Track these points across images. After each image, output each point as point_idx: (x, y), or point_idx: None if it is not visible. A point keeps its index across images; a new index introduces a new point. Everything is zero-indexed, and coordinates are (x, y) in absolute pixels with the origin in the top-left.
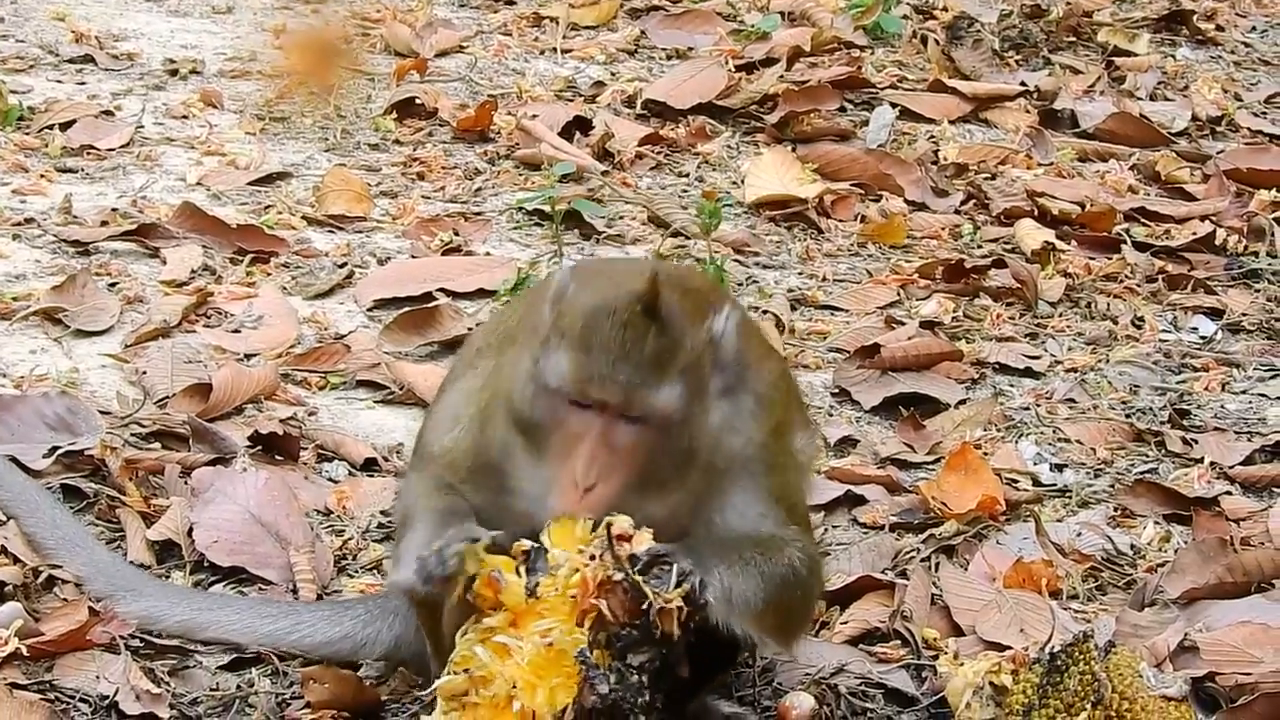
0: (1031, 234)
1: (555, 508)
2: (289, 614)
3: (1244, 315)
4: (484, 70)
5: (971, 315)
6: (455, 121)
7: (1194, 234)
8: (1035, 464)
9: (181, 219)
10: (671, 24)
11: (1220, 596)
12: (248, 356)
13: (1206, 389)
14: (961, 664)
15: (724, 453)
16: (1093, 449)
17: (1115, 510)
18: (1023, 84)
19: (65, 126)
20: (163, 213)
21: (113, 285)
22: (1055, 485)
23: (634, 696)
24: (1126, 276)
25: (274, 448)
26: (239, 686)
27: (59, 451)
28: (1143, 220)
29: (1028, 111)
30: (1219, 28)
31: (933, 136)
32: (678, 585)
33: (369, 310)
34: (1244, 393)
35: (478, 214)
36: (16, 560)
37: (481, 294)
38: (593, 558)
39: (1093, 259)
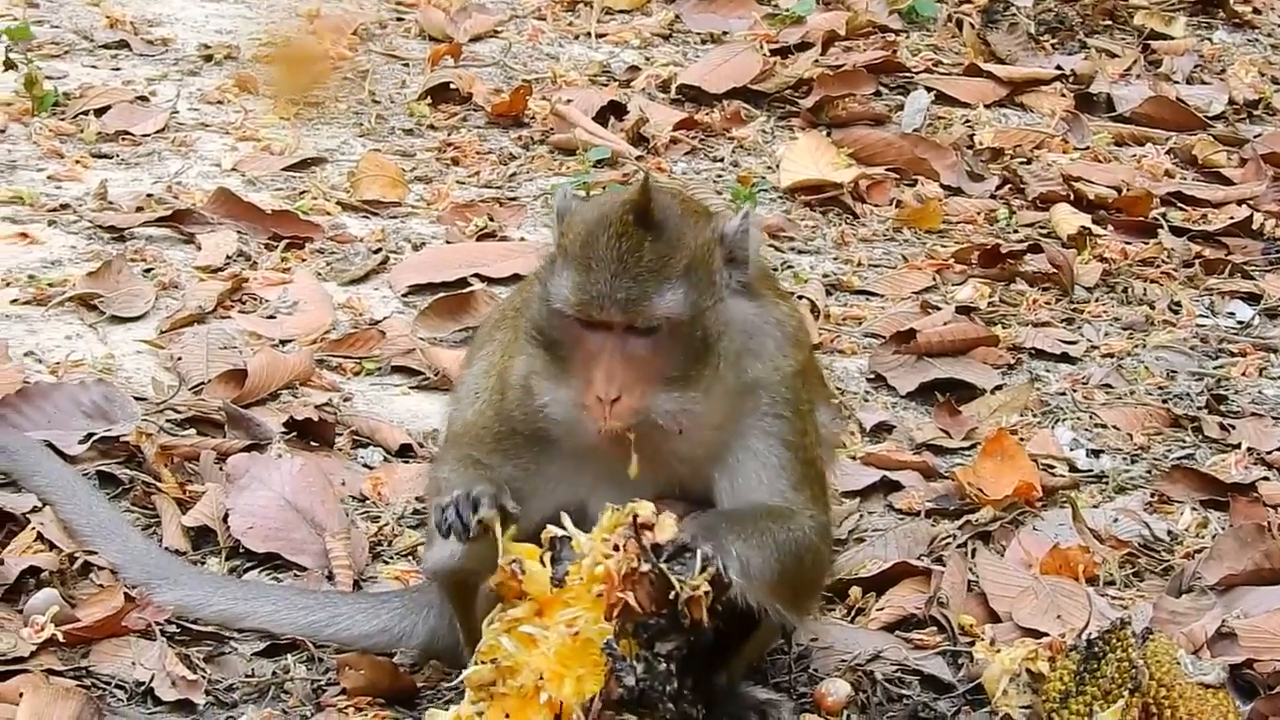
0: (1067, 219)
1: (584, 426)
2: (326, 606)
3: None
4: (518, 55)
5: (1007, 300)
6: (490, 106)
7: (1231, 218)
8: (1072, 450)
9: (216, 205)
10: (706, 8)
11: (1258, 583)
12: (283, 342)
13: (1244, 374)
14: (998, 651)
15: (747, 370)
16: (1129, 434)
17: (1152, 496)
18: (1058, 68)
19: (100, 112)
20: (198, 198)
21: (148, 271)
22: (1092, 471)
23: (662, 685)
24: (1163, 261)
25: (309, 433)
26: (274, 673)
27: (94, 438)
28: (1179, 204)
29: (1063, 95)
30: (1256, 10)
31: (968, 121)
32: (702, 571)
33: (404, 296)
34: None
35: (512, 199)
36: (53, 546)
37: (516, 279)
38: (616, 548)
39: (1129, 244)
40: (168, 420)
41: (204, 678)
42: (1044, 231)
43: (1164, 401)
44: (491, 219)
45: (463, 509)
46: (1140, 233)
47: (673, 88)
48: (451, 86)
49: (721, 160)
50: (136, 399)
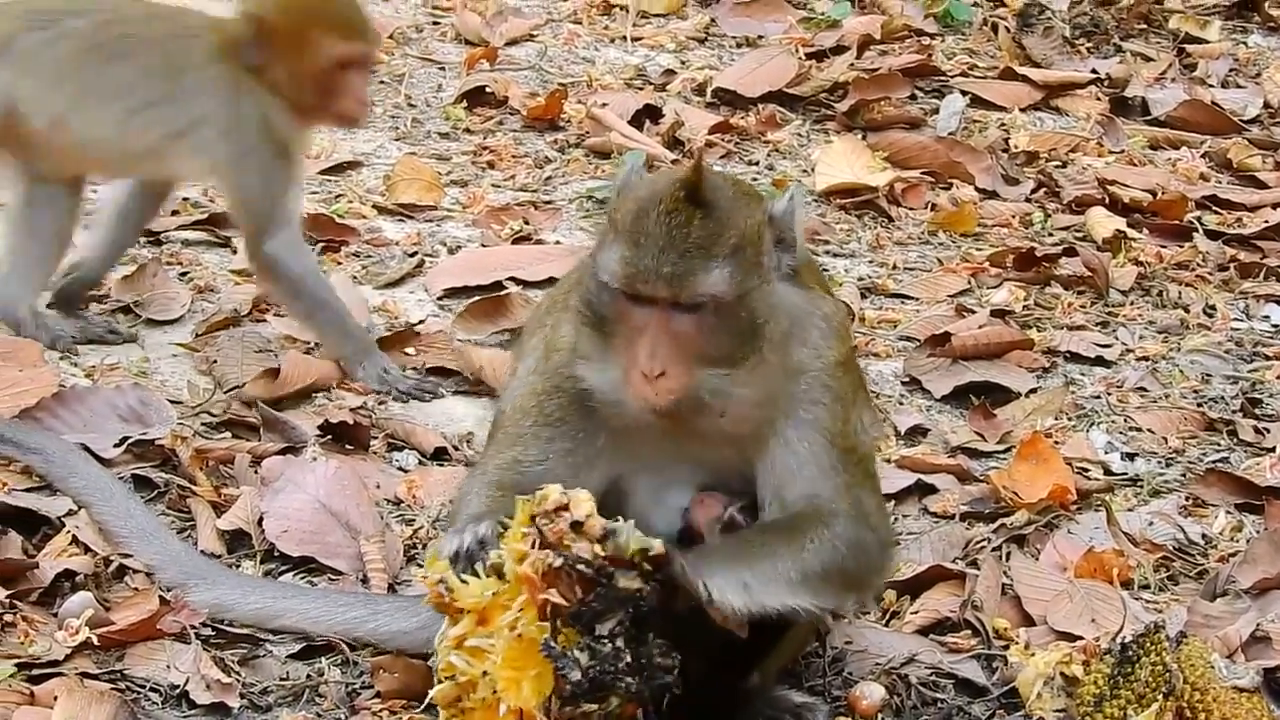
0: (1102, 222)
1: (628, 403)
2: (365, 603)
3: None
4: (554, 58)
5: (1042, 304)
6: (525, 110)
7: (1266, 222)
8: (1106, 453)
9: None
10: (741, 12)
11: None
12: (317, 345)
13: (1278, 377)
14: (1032, 654)
15: (792, 356)
16: (1164, 438)
17: (1187, 500)
18: (1094, 71)
19: None
20: None
21: (184, 275)
22: (1126, 474)
23: (613, 664)
24: (1198, 265)
25: (344, 437)
26: (309, 676)
27: (130, 441)
28: (1214, 208)
29: (1098, 99)
30: None
31: (1003, 124)
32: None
33: (439, 299)
34: None
35: (548, 202)
36: (88, 550)
37: (551, 282)
38: (535, 543)
39: (1164, 247)
40: (203, 424)
41: (238, 681)
42: (1079, 235)
43: (1199, 405)
44: (527, 222)
45: (471, 547)
46: (1175, 236)
47: (708, 91)
48: (487, 90)
49: (757, 164)
50: (172, 402)
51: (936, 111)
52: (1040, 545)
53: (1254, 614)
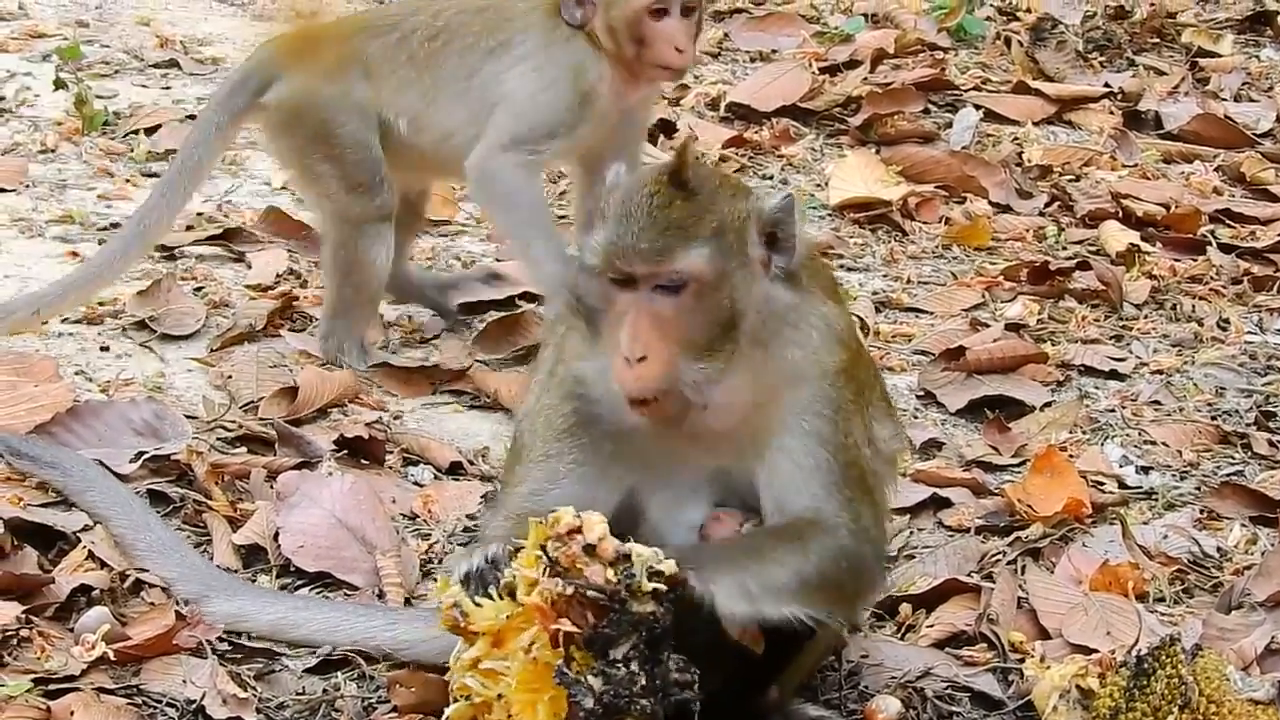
0: (1116, 236)
1: (618, 391)
2: (385, 613)
3: None
4: None
5: (1056, 317)
6: None
7: (1279, 235)
8: (1121, 466)
9: (266, 223)
10: (755, 27)
11: None
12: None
13: None
14: (1048, 667)
15: (786, 357)
16: (1179, 451)
17: (1201, 512)
18: (1106, 85)
19: (150, 131)
20: (248, 217)
21: (198, 290)
22: (1141, 488)
23: (627, 688)
24: (1212, 278)
25: (359, 451)
26: (325, 690)
27: (145, 456)
28: (1228, 222)
29: (1112, 113)
30: None
31: (1017, 138)
32: (684, 596)
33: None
34: None
35: (562, 217)
36: (104, 565)
37: None
38: (545, 571)
39: (1178, 261)
40: (218, 438)
41: (255, 695)
42: (1093, 249)
43: (1213, 418)
44: None
45: (482, 569)
46: (1189, 250)
47: (722, 106)
48: None
49: (771, 178)
50: (187, 417)
51: (950, 125)
52: (1055, 558)
53: (1269, 626)
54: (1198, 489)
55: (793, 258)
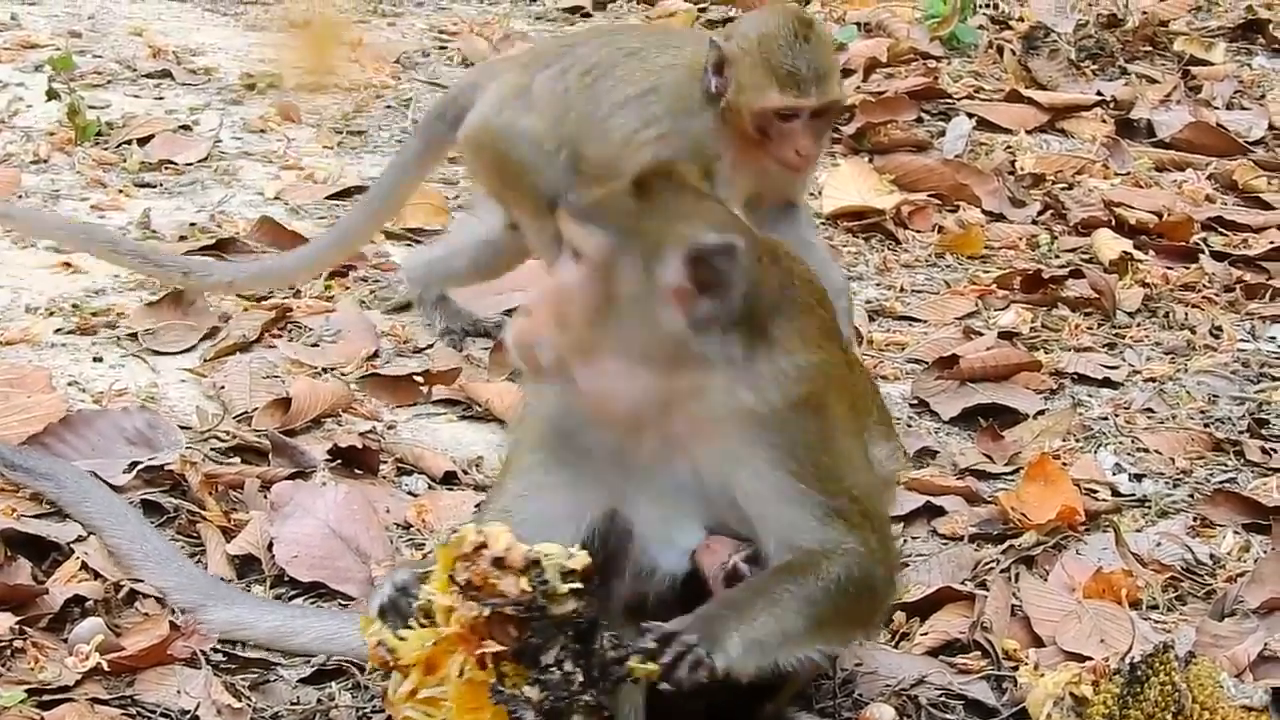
0: (1109, 244)
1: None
2: None
3: None
4: None
5: (1049, 325)
6: None
7: (1271, 243)
8: (1114, 474)
9: (260, 233)
10: None
11: None
12: (326, 370)
13: None
14: (1042, 675)
15: (726, 392)
16: (1171, 459)
17: (1194, 520)
18: (1099, 94)
19: (143, 141)
20: (241, 227)
21: (192, 301)
22: (1134, 495)
23: (565, 689)
24: (1204, 286)
25: (353, 461)
26: (319, 700)
27: (139, 467)
28: (1220, 229)
29: (1104, 121)
30: None
31: (1009, 147)
32: (691, 667)
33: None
34: None
35: None
36: (97, 575)
37: None
38: (461, 590)
39: (1170, 268)
40: (212, 449)
41: (249, 705)
42: (1085, 257)
43: (1205, 426)
44: None
45: (394, 598)
46: (1181, 258)
47: None
48: None
49: None
50: (181, 427)
51: (943, 134)
52: (1049, 566)
53: (1262, 633)
54: (1191, 496)
55: (729, 309)
